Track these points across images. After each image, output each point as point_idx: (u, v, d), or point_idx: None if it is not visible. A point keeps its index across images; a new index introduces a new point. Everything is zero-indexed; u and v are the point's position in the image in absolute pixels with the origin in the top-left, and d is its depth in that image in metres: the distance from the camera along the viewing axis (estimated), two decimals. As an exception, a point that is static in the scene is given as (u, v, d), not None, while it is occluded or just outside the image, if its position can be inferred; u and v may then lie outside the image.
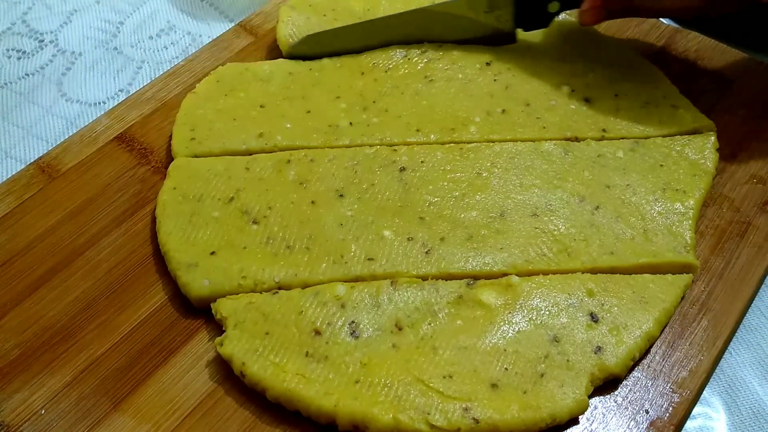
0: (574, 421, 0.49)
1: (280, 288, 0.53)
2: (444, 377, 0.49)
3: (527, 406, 0.47)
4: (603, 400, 0.50)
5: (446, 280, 0.53)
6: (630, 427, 0.49)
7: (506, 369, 0.49)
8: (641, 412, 0.50)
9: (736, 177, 0.62)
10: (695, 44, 0.72)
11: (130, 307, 0.55)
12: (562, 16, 0.69)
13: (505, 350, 0.50)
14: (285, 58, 0.69)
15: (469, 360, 0.50)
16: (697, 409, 0.53)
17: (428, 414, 0.47)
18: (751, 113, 0.66)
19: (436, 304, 0.52)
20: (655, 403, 0.50)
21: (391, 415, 0.47)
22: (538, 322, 0.51)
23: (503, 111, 0.64)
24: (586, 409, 0.49)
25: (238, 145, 0.62)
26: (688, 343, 0.53)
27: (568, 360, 0.50)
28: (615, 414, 0.50)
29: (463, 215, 0.57)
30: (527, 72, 0.66)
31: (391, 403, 0.48)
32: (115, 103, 0.68)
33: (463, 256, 0.55)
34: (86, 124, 0.66)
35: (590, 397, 0.49)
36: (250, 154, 0.61)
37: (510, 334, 0.51)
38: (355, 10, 0.72)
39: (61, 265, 0.57)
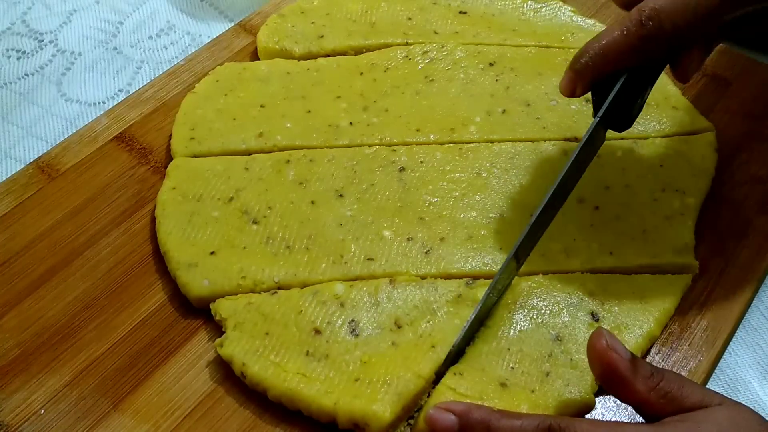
0: (574, 421, 0.49)
1: (279, 288, 0.53)
2: (454, 374, 0.49)
3: (537, 406, 0.47)
4: (603, 400, 0.50)
5: (445, 279, 0.53)
6: (630, 427, 0.49)
7: (512, 368, 0.49)
8: (641, 412, 0.50)
9: (736, 177, 0.62)
10: (695, 45, 0.72)
11: (129, 307, 0.54)
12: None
13: (509, 349, 0.50)
14: None
15: (476, 358, 0.49)
16: (697, 409, 0.53)
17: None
18: (751, 113, 0.66)
19: (435, 302, 0.52)
20: (655, 403, 0.50)
21: (390, 412, 0.47)
22: (540, 321, 0.51)
23: (503, 111, 0.64)
24: (593, 408, 0.49)
25: (238, 145, 0.62)
26: (687, 344, 0.53)
27: (571, 359, 0.49)
28: (615, 414, 0.50)
29: (462, 215, 0.57)
30: (529, 72, 0.66)
31: (390, 400, 0.47)
32: (115, 103, 0.68)
33: (463, 256, 0.55)
34: (86, 123, 0.66)
35: (590, 396, 0.49)
36: (250, 154, 0.61)
37: (513, 333, 0.51)
38: (351, 11, 0.72)
39: (60, 265, 0.56)
